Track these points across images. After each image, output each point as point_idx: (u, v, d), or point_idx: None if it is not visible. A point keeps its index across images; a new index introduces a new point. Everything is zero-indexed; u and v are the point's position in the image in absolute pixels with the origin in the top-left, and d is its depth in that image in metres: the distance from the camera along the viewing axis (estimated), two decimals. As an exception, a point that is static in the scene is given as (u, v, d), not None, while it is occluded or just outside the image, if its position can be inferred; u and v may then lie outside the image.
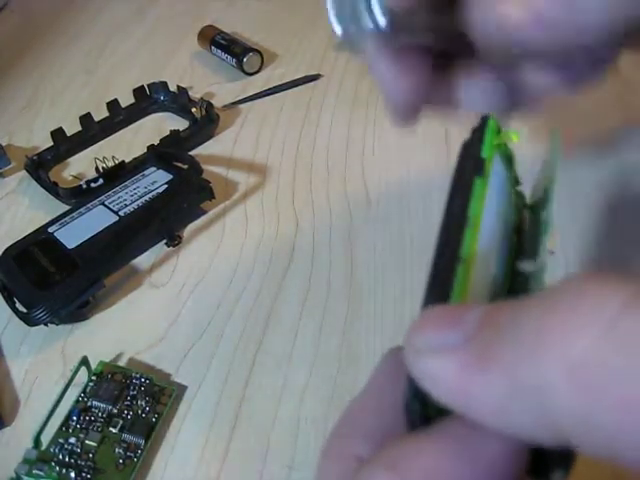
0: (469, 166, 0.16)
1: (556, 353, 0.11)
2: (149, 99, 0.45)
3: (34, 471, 0.25)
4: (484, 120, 0.17)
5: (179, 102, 0.44)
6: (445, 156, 0.38)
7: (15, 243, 0.34)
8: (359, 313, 0.30)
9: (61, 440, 0.26)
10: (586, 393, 0.10)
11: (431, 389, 0.12)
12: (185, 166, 0.37)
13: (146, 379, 0.28)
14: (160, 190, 0.36)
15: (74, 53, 0.53)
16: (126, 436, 0.26)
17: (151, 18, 0.57)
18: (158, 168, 0.37)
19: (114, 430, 0.26)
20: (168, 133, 0.40)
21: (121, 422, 0.26)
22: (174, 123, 0.43)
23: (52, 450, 0.26)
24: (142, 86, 0.45)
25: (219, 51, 0.48)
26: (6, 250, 0.34)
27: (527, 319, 0.11)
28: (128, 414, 0.27)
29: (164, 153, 0.39)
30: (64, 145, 0.42)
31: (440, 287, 0.14)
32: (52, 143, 0.41)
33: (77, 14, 0.58)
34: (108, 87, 0.48)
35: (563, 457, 0.12)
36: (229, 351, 0.30)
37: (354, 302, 0.31)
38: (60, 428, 0.26)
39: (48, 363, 0.30)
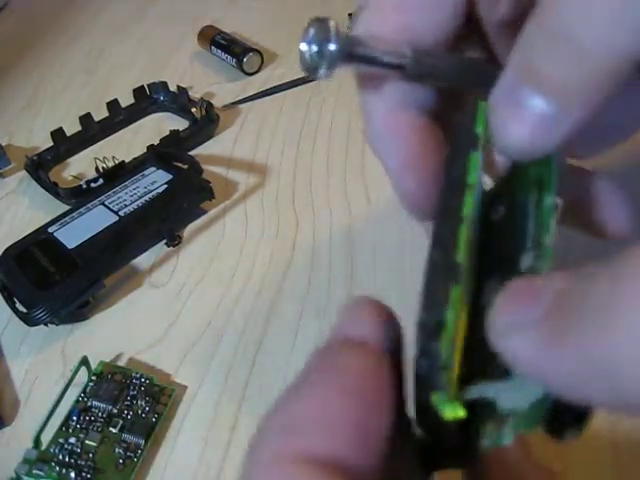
0: (465, 140, 0.17)
1: (626, 325, 0.11)
2: (149, 99, 0.45)
3: (34, 471, 0.25)
4: (475, 101, 0.18)
5: (179, 102, 0.44)
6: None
7: (15, 243, 0.34)
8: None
9: (61, 440, 0.26)
10: None
11: (514, 365, 0.13)
12: (185, 166, 0.37)
13: (146, 379, 0.28)
14: (160, 190, 0.36)
15: (74, 53, 0.53)
16: (126, 436, 0.26)
17: (151, 18, 0.57)
18: (158, 168, 0.37)
19: (114, 430, 0.26)
20: (168, 133, 0.40)
21: (121, 422, 0.26)
22: (174, 123, 0.43)
23: (52, 450, 0.26)
24: (142, 86, 0.45)
25: (219, 51, 0.48)
26: (6, 250, 0.34)
27: (596, 291, 0.12)
28: (128, 414, 0.27)
29: (164, 153, 0.39)
30: (64, 145, 0.42)
31: (446, 241, 0.15)
32: (52, 143, 0.41)
33: (77, 14, 0.58)
34: (108, 87, 0.48)
35: (579, 415, 0.13)
36: (229, 351, 0.30)
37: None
38: (60, 428, 0.26)
39: (48, 363, 0.30)
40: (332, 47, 0.17)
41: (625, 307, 0.11)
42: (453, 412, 0.13)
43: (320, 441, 0.12)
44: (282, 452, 0.12)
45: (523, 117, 0.15)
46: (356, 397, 0.13)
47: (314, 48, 0.17)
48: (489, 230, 0.18)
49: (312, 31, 0.17)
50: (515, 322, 0.13)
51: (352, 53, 0.17)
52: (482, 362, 0.15)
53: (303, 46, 0.17)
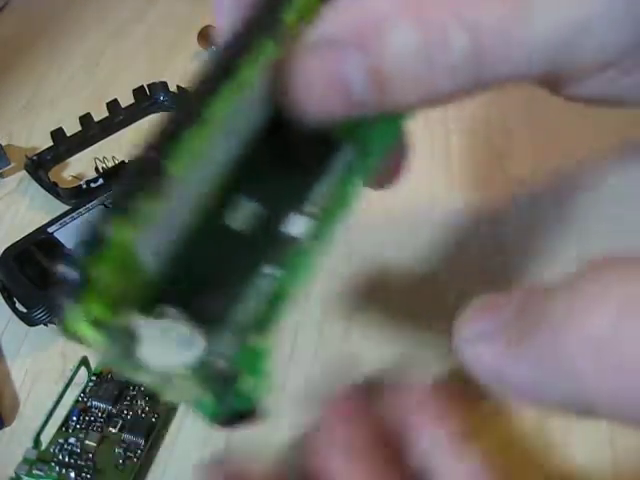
0: (263, 20, 0.14)
1: (579, 336, 0.11)
2: (149, 99, 0.45)
3: (34, 471, 0.25)
4: None
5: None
6: (445, 155, 0.38)
7: (15, 243, 0.34)
8: (360, 313, 0.30)
9: (61, 440, 0.26)
10: (614, 368, 0.11)
11: (474, 372, 0.13)
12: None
13: (146, 379, 0.28)
14: (160, 190, 0.36)
15: (74, 53, 0.53)
16: (126, 436, 0.26)
17: (151, 18, 0.57)
18: (158, 168, 0.37)
19: (114, 430, 0.26)
20: (168, 133, 0.40)
21: (121, 422, 0.26)
22: (174, 123, 0.43)
23: (52, 450, 0.26)
24: (142, 86, 0.45)
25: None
26: (6, 250, 0.34)
27: (554, 304, 0.12)
28: (128, 414, 0.27)
29: (164, 153, 0.39)
30: (64, 145, 0.42)
31: (169, 137, 0.13)
32: (52, 143, 0.41)
33: (77, 14, 0.58)
34: (108, 87, 0.48)
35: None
36: (229, 351, 0.30)
37: (355, 301, 0.31)
38: (60, 428, 0.26)
39: (48, 363, 0.30)
40: None
41: (577, 321, 0.11)
42: (79, 328, 0.13)
43: None
44: None
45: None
46: None
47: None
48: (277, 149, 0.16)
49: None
50: (479, 332, 0.14)
51: None
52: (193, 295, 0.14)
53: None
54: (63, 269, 0.12)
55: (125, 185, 0.12)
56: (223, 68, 0.13)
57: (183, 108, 0.13)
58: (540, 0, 0.15)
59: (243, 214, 0.16)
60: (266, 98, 0.16)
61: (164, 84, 0.44)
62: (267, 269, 0.16)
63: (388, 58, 0.15)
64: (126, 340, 0.13)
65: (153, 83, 0.45)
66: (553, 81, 0.18)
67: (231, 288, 0.15)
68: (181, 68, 0.49)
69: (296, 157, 0.17)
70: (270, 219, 0.16)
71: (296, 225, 0.16)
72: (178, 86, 0.44)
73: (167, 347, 0.13)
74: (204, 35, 0.50)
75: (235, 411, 0.15)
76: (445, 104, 0.16)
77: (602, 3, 0.15)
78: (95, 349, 0.13)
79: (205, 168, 0.14)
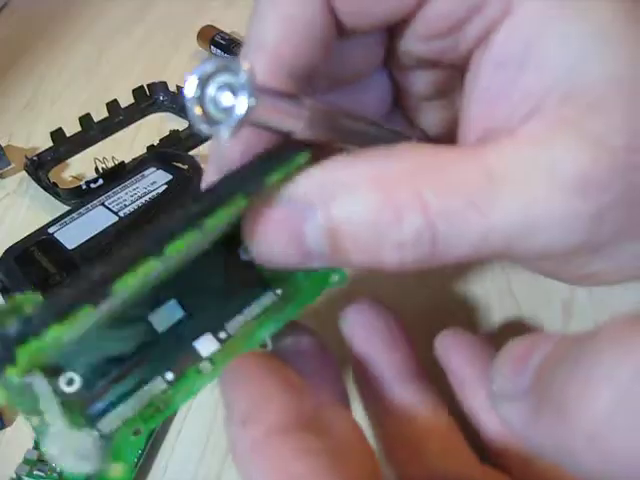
0: (245, 177, 0.15)
1: (576, 420, 0.12)
2: (149, 99, 0.45)
3: (34, 472, 0.25)
4: (297, 149, 0.16)
5: (179, 102, 0.44)
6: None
7: (15, 244, 0.34)
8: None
9: (61, 441, 0.26)
10: (605, 458, 0.12)
11: (509, 429, 0.14)
12: (185, 166, 0.37)
13: (146, 379, 0.28)
14: (160, 190, 0.36)
15: (74, 53, 0.53)
16: (126, 436, 0.26)
17: (151, 18, 0.57)
18: (158, 168, 0.37)
19: (114, 430, 0.26)
20: (168, 133, 0.40)
21: (121, 422, 0.26)
22: (174, 123, 0.43)
23: (52, 451, 0.26)
24: (142, 86, 0.45)
25: (219, 51, 0.48)
26: (6, 251, 0.34)
27: (562, 378, 0.13)
28: (128, 414, 0.27)
29: (164, 153, 0.39)
30: (64, 146, 0.42)
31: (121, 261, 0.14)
32: (52, 143, 0.41)
33: (77, 14, 0.58)
34: (108, 87, 0.48)
35: None
36: (229, 351, 0.30)
37: (354, 301, 0.31)
38: (60, 429, 0.26)
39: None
40: (249, 101, 0.13)
41: (575, 404, 0.12)
42: None
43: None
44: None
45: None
46: None
47: (224, 99, 0.13)
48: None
49: (219, 73, 0.13)
50: (506, 392, 0.14)
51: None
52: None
53: (195, 91, 0.13)
54: None
55: (71, 289, 0.14)
56: (193, 214, 0.15)
57: (147, 239, 0.14)
58: (500, 193, 0.16)
59: (167, 317, 0.18)
60: (226, 230, 0.17)
61: (164, 84, 0.45)
62: (169, 374, 0.17)
63: (342, 223, 0.16)
64: (28, 393, 0.15)
65: (153, 83, 0.45)
66: (509, 259, 0.20)
67: (133, 377, 0.17)
68: (181, 68, 0.50)
69: (232, 281, 0.18)
70: (189, 330, 0.18)
71: (206, 345, 0.18)
72: (178, 86, 0.44)
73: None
74: (204, 35, 0.50)
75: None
76: (397, 271, 0.17)
77: (556, 201, 0.16)
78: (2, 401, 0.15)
79: (146, 284, 0.15)
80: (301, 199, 0.16)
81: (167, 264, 0.15)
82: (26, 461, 0.25)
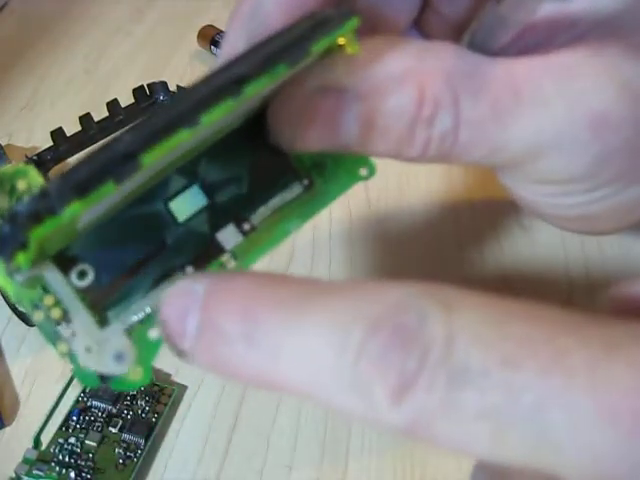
0: (289, 47, 0.14)
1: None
2: (149, 99, 0.45)
3: (34, 471, 0.25)
4: (347, 15, 0.15)
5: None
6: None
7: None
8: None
9: (61, 440, 0.26)
10: None
11: None
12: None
13: (146, 379, 0.28)
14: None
15: (74, 53, 0.53)
16: (126, 436, 0.26)
17: (151, 18, 0.57)
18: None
19: (114, 430, 0.26)
20: (168, 133, 0.40)
21: (121, 422, 0.26)
22: (174, 123, 0.43)
23: (52, 450, 0.26)
24: (142, 86, 0.44)
25: (219, 51, 0.48)
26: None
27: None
28: (128, 414, 0.27)
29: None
30: (64, 145, 0.42)
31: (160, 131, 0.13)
32: (52, 143, 0.41)
33: (77, 14, 0.58)
34: (108, 87, 0.48)
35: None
36: (229, 351, 0.30)
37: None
38: (60, 428, 0.26)
39: (48, 363, 0.30)
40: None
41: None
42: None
43: None
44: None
45: None
46: None
47: None
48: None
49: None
50: None
51: None
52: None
53: None
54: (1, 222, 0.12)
55: (95, 163, 0.12)
56: (231, 81, 0.13)
57: (178, 109, 0.13)
58: (521, 112, 0.16)
59: (189, 205, 0.16)
60: (253, 109, 0.16)
61: (164, 84, 0.44)
62: (189, 269, 0.16)
63: (381, 115, 0.16)
64: (37, 283, 0.14)
65: (153, 83, 0.45)
66: (513, 179, 0.19)
67: (150, 272, 0.16)
68: (181, 68, 0.50)
69: (257, 170, 0.17)
70: (211, 220, 0.16)
71: (229, 237, 0.16)
72: (178, 86, 0.44)
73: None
74: (204, 35, 0.50)
75: (106, 382, 0.15)
76: (411, 162, 0.18)
77: (570, 128, 0.16)
78: (7, 294, 0.14)
79: (173, 155, 0.14)
80: (344, 88, 0.16)
81: (198, 137, 0.14)
82: (25, 460, 0.25)
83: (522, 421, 0.10)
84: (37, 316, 0.15)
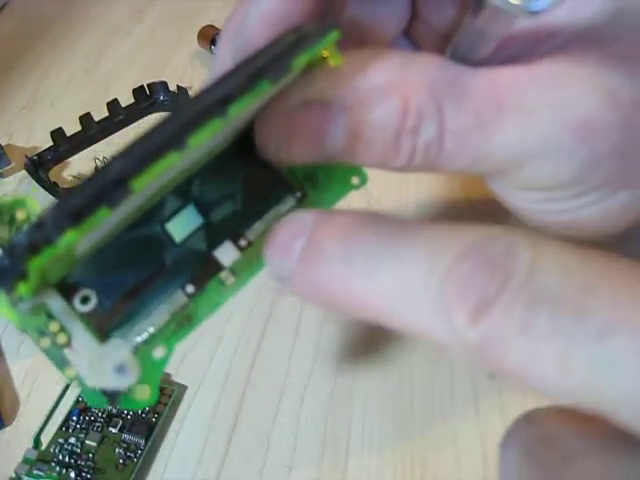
0: (270, 63, 0.14)
1: None
2: (149, 99, 0.45)
3: (34, 471, 0.25)
4: (328, 29, 0.15)
5: (179, 102, 0.44)
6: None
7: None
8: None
9: (61, 440, 0.26)
10: None
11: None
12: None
13: (146, 379, 0.28)
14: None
15: (74, 53, 0.53)
16: (126, 436, 0.26)
17: (151, 18, 0.57)
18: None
19: (114, 430, 0.26)
20: (168, 133, 0.40)
21: (121, 422, 0.26)
22: (174, 123, 0.43)
23: (52, 450, 0.26)
24: (142, 86, 0.44)
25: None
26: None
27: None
28: (128, 414, 0.27)
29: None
30: (64, 145, 0.42)
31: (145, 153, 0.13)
32: (52, 143, 0.41)
33: (77, 14, 0.58)
34: (108, 87, 0.48)
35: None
36: (229, 351, 0.30)
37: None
38: (60, 428, 0.26)
39: (48, 363, 0.30)
40: None
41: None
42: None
43: None
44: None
45: None
46: None
47: None
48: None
49: None
50: (277, 275, 0.15)
51: None
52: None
53: None
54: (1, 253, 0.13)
55: (87, 190, 0.13)
56: (216, 101, 0.13)
57: (165, 132, 0.13)
58: (504, 120, 0.16)
59: (185, 225, 0.16)
60: (242, 127, 0.16)
61: (164, 84, 0.44)
62: (189, 287, 0.16)
63: (366, 127, 0.16)
64: (42, 311, 0.15)
65: (153, 83, 0.45)
66: (501, 186, 0.19)
67: (151, 293, 0.16)
68: (181, 68, 0.50)
69: (250, 186, 0.17)
70: (208, 238, 0.17)
71: (227, 254, 0.17)
72: (178, 86, 0.44)
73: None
74: (204, 35, 0.50)
75: (114, 402, 0.16)
76: (397, 172, 0.18)
77: (555, 135, 0.16)
78: (12, 322, 0.14)
79: (165, 177, 0.14)
80: (328, 100, 0.16)
81: (188, 158, 0.14)
82: (25, 460, 0.25)
83: (589, 344, 0.10)
84: (43, 343, 0.15)
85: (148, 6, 0.58)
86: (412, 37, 0.22)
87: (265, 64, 0.14)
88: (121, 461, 0.25)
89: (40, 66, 0.52)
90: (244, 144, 0.17)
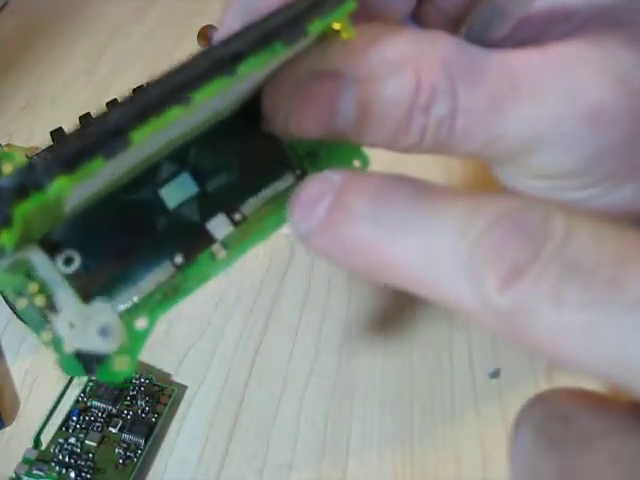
0: (286, 25, 0.14)
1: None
2: (149, 99, 0.45)
3: (34, 471, 0.25)
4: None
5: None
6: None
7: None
8: (359, 312, 0.30)
9: (61, 440, 0.26)
10: None
11: None
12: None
13: (146, 379, 0.28)
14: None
15: (74, 53, 0.53)
16: (126, 436, 0.26)
17: (151, 18, 0.57)
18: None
19: (114, 430, 0.26)
20: (168, 133, 0.40)
21: (121, 422, 0.26)
22: (174, 123, 0.43)
23: (52, 450, 0.26)
24: (142, 86, 0.44)
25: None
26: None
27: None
28: (128, 414, 0.27)
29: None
30: (64, 145, 0.42)
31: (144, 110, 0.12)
32: (52, 143, 0.41)
33: (77, 14, 0.58)
34: (108, 87, 0.48)
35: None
36: (229, 351, 0.30)
37: (354, 301, 0.31)
38: (60, 428, 0.26)
39: (48, 363, 0.30)
40: None
41: None
42: None
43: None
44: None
45: None
46: None
47: None
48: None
49: None
50: (301, 232, 0.14)
51: None
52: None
53: None
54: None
55: (84, 138, 0.12)
56: (225, 58, 0.13)
57: (170, 85, 0.13)
58: (518, 103, 0.16)
59: (180, 192, 0.16)
60: (248, 95, 0.16)
61: (164, 84, 0.44)
62: (178, 258, 0.16)
63: (378, 101, 0.16)
64: (22, 269, 0.14)
65: (153, 83, 0.45)
66: (508, 174, 0.19)
67: (138, 260, 0.15)
68: (181, 68, 0.49)
69: (250, 158, 0.17)
70: (202, 209, 0.16)
71: (220, 227, 0.16)
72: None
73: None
74: (204, 35, 0.50)
75: (91, 371, 0.15)
76: (406, 152, 0.17)
77: (567, 121, 0.16)
78: None
79: (163, 136, 0.14)
80: (341, 72, 0.16)
81: (190, 117, 0.13)
82: (25, 460, 0.25)
83: (621, 315, 0.10)
84: (20, 303, 0.14)
85: (148, 6, 0.58)
86: (420, 20, 0.22)
87: (280, 26, 0.13)
88: (121, 461, 0.25)
89: (40, 66, 0.52)
90: (248, 116, 0.16)
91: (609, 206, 0.18)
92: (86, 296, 0.15)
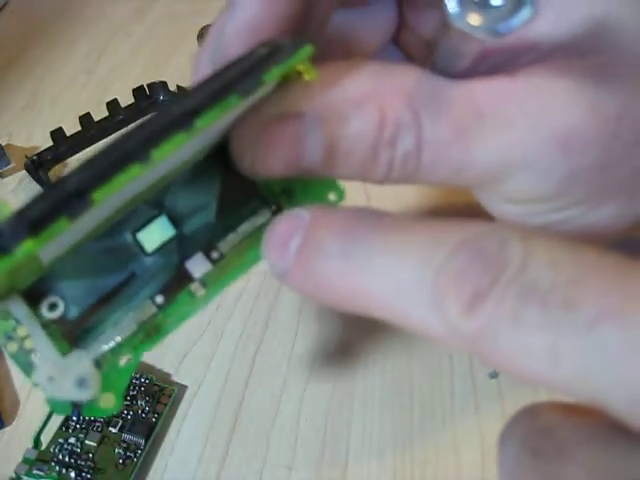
0: (241, 77, 0.14)
1: None
2: (149, 99, 0.45)
3: (34, 471, 0.25)
4: (301, 44, 0.15)
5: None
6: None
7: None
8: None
9: (61, 440, 0.26)
10: None
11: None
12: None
13: (146, 379, 0.28)
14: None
15: (74, 53, 0.53)
16: (126, 436, 0.26)
17: (151, 18, 0.57)
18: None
19: (114, 430, 0.26)
20: (168, 133, 0.40)
21: (121, 422, 0.26)
22: (174, 123, 0.43)
23: (52, 450, 0.26)
24: (142, 86, 0.44)
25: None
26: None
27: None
28: (128, 414, 0.27)
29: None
30: (64, 145, 0.42)
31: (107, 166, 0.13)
32: (52, 143, 0.41)
33: (77, 14, 0.58)
34: (108, 87, 0.48)
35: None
36: (229, 351, 0.30)
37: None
38: (60, 428, 0.26)
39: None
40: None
41: None
42: None
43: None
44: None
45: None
46: None
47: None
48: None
49: None
50: (276, 271, 0.15)
51: None
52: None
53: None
54: None
55: (48, 200, 0.12)
56: (182, 114, 0.13)
57: (129, 144, 0.13)
58: (484, 131, 0.16)
59: (157, 235, 0.16)
60: (219, 138, 0.16)
61: (164, 84, 0.44)
62: (159, 298, 0.16)
63: (343, 138, 0.16)
64: (9, 317, 0.15)
65: (153, 83, 0.45)
66: (485, 198, 0.19)
67: (120, 302, 0.16)
68: (181, 68, 0.49)
69: (225, 197, 0.17)
70: (180, 249, 0.17)
71: (198, 265, 0.17)
72: (178, 86, 0.44)
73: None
74: (204, 35, 0.50)
75: (78, 409, 0.16)
76: (376, 184, 0.18)
77: (536, 147, 0.16)
78: None
79: (130, 190, 0.14)
80: (303, 113, 0.16)
81: (153, 172, 0.14)
82: (25, 460, 0.25)
83: (578, 335, 0.11)
84: (10, 347, 0.15)
85: (148, 6, 0.58)
86: (401, 45, 0.22)
87: (234, 78, 0.14)
88: (121, 461, 0.25)
89: (40, 66, 0.52)
90: (221, 156, 0.17)
91: (589, 227, 0.18)
92: (71, 339, 0.16)
